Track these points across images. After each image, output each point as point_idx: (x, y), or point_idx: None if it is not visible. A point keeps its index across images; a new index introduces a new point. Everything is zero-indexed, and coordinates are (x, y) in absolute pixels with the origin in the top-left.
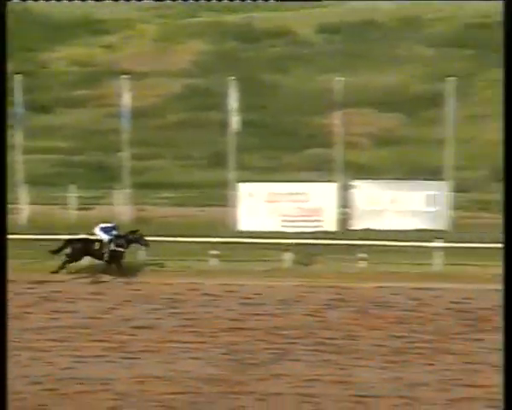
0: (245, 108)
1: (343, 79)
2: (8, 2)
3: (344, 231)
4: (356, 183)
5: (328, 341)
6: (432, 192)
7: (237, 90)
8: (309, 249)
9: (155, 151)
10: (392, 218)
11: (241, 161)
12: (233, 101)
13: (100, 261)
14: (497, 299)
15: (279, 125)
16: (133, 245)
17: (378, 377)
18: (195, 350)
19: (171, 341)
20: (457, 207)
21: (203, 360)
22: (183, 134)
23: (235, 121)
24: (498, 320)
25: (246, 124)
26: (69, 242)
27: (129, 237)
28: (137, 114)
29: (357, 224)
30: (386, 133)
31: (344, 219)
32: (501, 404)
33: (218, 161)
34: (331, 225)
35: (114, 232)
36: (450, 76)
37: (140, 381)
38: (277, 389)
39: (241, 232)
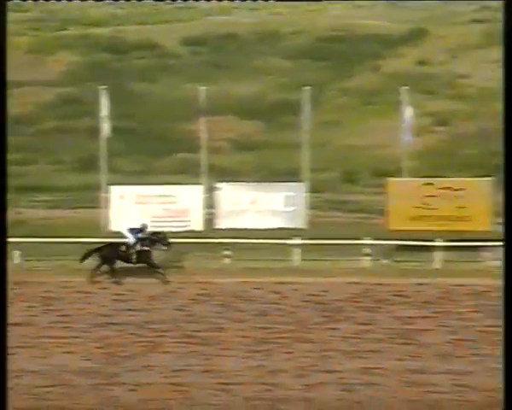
0: (115, 115)
1: (207, 88)
2: (8, 3)
3: (210, 230)
4: (220, 185)
5: (195, 333)
6: (290, 193)
7: (107, 98)
8: (177, 248)
9: (31, 156)
10: (253, 217)
11: (112, 166)
12: (104, 108)
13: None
14: (350, 291)
15: (148, 132)
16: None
17: (242, 366)
18: (67, 345)
19: (44, 336)
20: (313, 206)
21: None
22: (57, 140)
23: (106, 128)
24: (351, 310)
25: (116, 130)
26: (98, 249)
27: (153, 238)
28: (14, 121)
29: (222, 223)
30: (247, 139)
31: (210, 219)
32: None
33: (91, 165)
34: (198, 224)
35: (140, 235)
36: (305, 85)
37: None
38: (148, 380)
39: (113, 233)
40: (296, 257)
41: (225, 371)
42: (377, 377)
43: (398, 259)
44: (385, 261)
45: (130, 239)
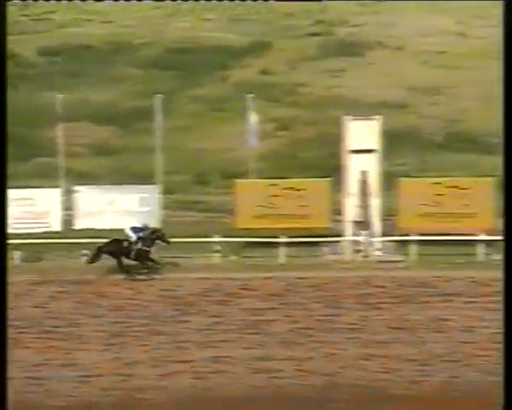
0: None
1: (64, 95)
2: (8, 3)
3: (68, 230)
4: (78, 188)
5: (54, 329)
6: (144, 195)
7: None
8: (37, 248)
9: None
10: (110, 218)
11: None
12: None
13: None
14: (202, 286)
15: (9, 137)
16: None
17: (99, 359)
18: None
19: None
20: (166, 207)
21: None
22: None
23: None
24: (203, 304)
25: None
26: (103, 246)
27: (153, 237)
28: None
29: (80, 224)
30: (103, 143)
31: (68, 220)
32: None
33: None
34: (57, 225)
35: (141, 233)
36: (156, 93)
37: None
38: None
39: None
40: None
41: (84, 365)
42: (227, 366)
43: (246, 255)
44: (233, 257)
45: (133, 237)
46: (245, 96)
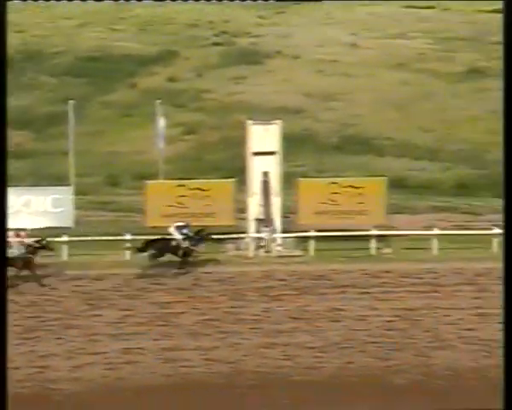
0: None
1: None
2: (8, 3)
3: None
4: None
5: None
6: (58, 196)
7: None
8: None
9: None
10: (26, 218)
11: None
12: None
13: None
14: (114, 281)
15: None
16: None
17: (15, 352)
18: None
19: None
20: (79, 207)
21: None
22: None
23: None
24: (114, 298)
25: None
26: (152, 241)
27: (198, 236)
28: None
29: None
30: (19, 147)
31: None
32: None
33: None
34: None
35: (185, 231)
36: (69, 99)
37: None
38: None
39: None
40: (64, 252)
41: None
42: (137, 356)
43: None
44: (144, 254)
45: (178, 236)
46: (153, 102)
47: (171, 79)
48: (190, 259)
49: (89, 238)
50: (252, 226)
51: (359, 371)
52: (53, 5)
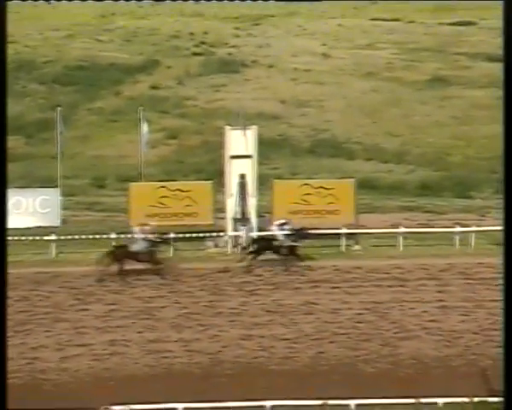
0: None
1: None
2: (8, 3)
3: None
4: None
5: None
6: (46, 197)
7: None
8: None
9: None
10: (15, 218)
11: None
12: None
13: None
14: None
15: None
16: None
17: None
18: None
19: None
20: (66, 208)
21: None
22: None
23: None
24: (101, 293)
25: None
26: (255, 240)
27: (299, 233)
28: None
29: None
30: (11, 151)
31: None
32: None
33: None
34: None
35: (287, 228)
36: (58, 106)
37: None
38: None
39: None
40: (53, 250)
41: None
42: (122, 348)
43: None
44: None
45: (279, 234)
46: (137, 108)
47: (155, 87)
48: (293, 256)
49: (76, 237)
50: (230, 225)
51: (330, 361)
52: (42, 17)
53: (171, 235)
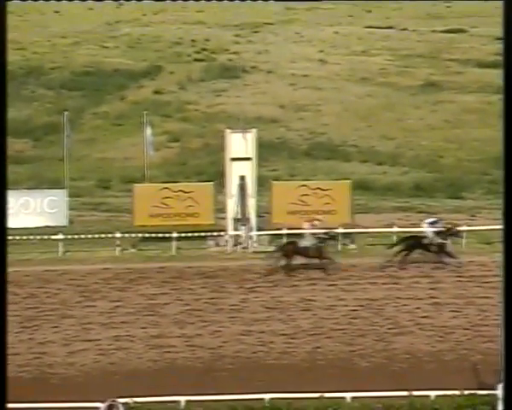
0: None
1: None
2: (8, 3)
3: None
4: None
5: None
6: (53, 198)
7: None
8: None
9: None
10: (24, 218)
11: None
12: None
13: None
14: (105, 275)
15: None
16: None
17: (15, 340)
18: None
19: None
20: (73, 208)
21: None
22: None
23: None
24: (106, 291)
25: None
26: (404, 239)
27: (449, 232)
28: None
29: None
30: (20, 154)
31: None
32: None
33: None
34: None
35: (438, 225)
36: (65, 110)
37: None
38: None
39: None
40: (60, 249)
41: None
42: (127, 343)
43: (143, 248)
44: (132, 250)
45: (429, 231)
46: (141, 112)
47: (158, 92)
48: (443, 253)
49: (82, 236)
50: (230, 225)
51: (327, 356)
52: (50, 25)
53: (175, 234)
